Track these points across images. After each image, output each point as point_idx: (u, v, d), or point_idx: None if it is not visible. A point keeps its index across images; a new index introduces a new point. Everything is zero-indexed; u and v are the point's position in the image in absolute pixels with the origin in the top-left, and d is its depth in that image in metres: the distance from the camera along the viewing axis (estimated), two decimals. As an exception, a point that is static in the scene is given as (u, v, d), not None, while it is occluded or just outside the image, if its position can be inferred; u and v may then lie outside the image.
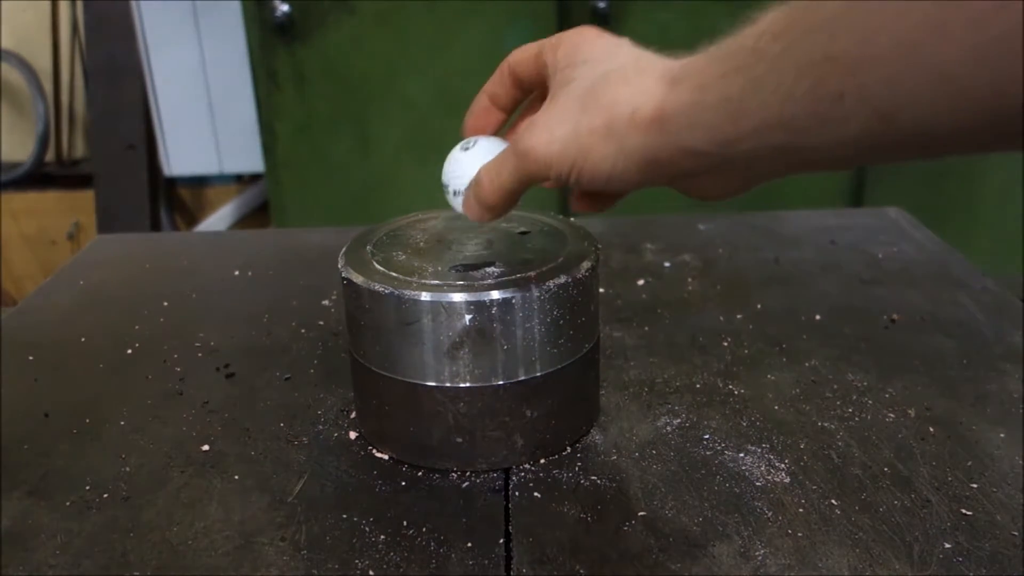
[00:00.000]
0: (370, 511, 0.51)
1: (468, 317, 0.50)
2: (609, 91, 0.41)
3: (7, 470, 0.56)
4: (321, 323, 0.75)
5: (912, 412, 0.59)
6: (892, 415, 0.59)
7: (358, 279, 0.53)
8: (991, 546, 0.47)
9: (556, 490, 0.53)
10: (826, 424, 0.58)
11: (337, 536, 0.49)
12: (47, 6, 2.33)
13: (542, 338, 0.52)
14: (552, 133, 0.42)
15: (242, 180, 2.32)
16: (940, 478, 0.52)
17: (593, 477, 0.54)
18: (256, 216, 2.27)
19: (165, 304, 0.79)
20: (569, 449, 0.56)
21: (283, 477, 0.54)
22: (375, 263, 0.55)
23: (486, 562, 0.47)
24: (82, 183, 2.31)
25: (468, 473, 0.54)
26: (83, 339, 0.73)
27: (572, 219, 0.61)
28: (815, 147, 0.34)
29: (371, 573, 0.46)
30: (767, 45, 0.34)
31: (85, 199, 2.27)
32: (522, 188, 0.47)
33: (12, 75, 2.37)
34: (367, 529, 0.50)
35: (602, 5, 1.52)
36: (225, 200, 2.28)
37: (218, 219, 2.22)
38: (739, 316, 0.74)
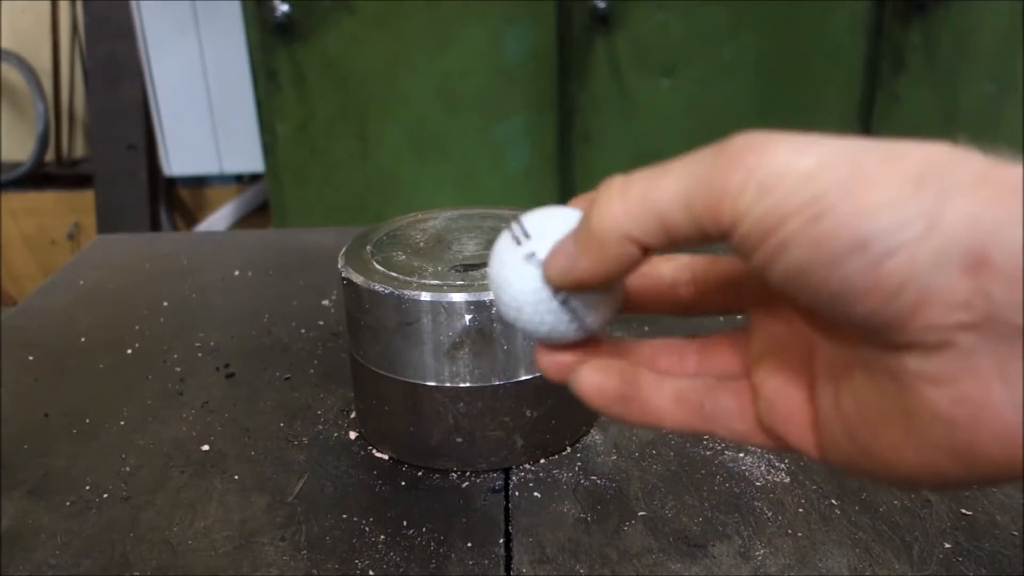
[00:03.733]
0: (370, 511, 0.51)
1: (468, 317, 0.50)
2: None
3: (7, 470, 0.56)
4: (321, 323, 0.75)
5: (912, 412, 0.59)
6: (892, 415, 0.59)
7: (358, 279, 0.53)
8: (991, 546, 0.47)
9: (556, 490, 0.53)
10: (826, 424, 0.58)
11: (337, 536, 0.49)
12: (47, 6, 2.33)
13: (542, 338, 0.52)
14: None
15: (242, 180, 2.32)
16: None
17: (593, 477, 0.54)
18: (256, 216, 2.27)
19: (165, 304, 0.79)
20: (569, 449, 0.56)
21: (283, 477, 0.54)
22: (375, 263, 0.54)
23: (486, 562, 0.47)
24: (82, 183, 2.31)
25: (468, 473, 0.54)
26: (83, 339, 0.73)
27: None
28: None
29: (371, 573, 0.46)
30: None
31: (85, 199, 2.27)
32: None
33: (12, 75, 2.37)
34: (367, 529, 0.49)
35: (602, 5, 1.52)
36: (225, 200, 2.28)
37: (218, 219, 2.22)
38: (739, 316, 0.74)
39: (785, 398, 0.26)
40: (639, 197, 0.24)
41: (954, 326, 0.20)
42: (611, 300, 0.27)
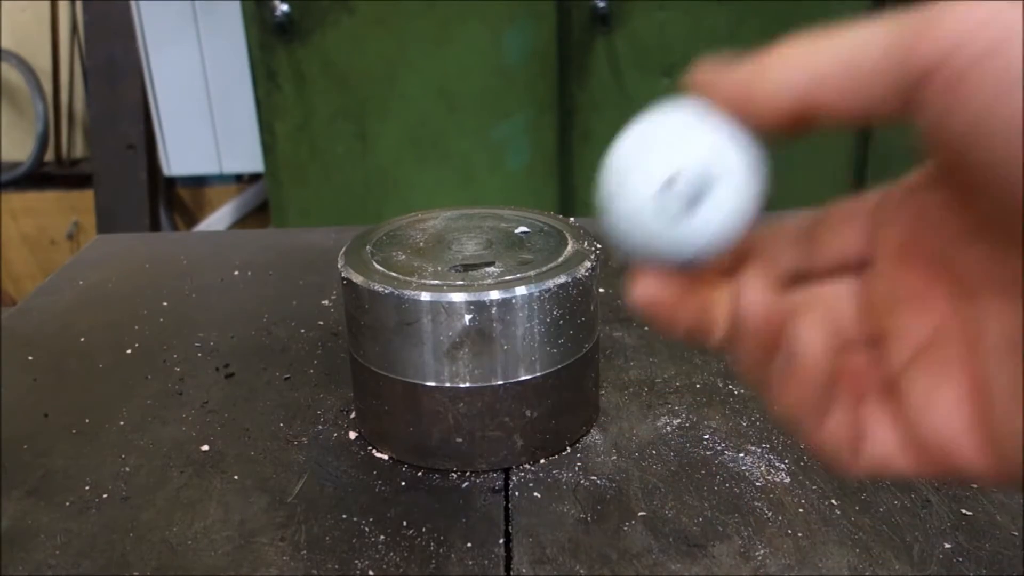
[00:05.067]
0: (370, 511, 0.51)
1: (468, 317, 0.50)
2: None
3: (7, 470, 0.56)
4: (321, 323, 0.75)
5: (912, 412, 0.59)
6: (892, 415, 0.59)
7: (358, 279, 0.53)
8: (991, 546, 0.47)
9: (556, 490, 0.53)
10: (826, 424, 0.58)
11: (337, 536, 0.49)
12: (47, 6, 2.33)
13: (542, 338, 0.52)
14: None
15: (242, 180, 2.32)
16: (940, 478, 0.52)
17: (593, 477, 0.54)
18: (256, 216, 2.27)
19: (165, 304, 0.79)
20: (569, 449, 0.56)
21: (283, 477, 0.54)
22: (375, 263, 0.54)
23: (486, 562, 0.47)
24: (82, 183, 2.31)
25: (468, 473, 0.54)
26: (83, 339, 0.73)
27: (572, 219, 0.61)
28: None
29: (371, 573, 0.46)
30: None
31: (85, 199, 2.27)
32: None
33: (12, 75, 2.37)
34: (367, 529, 0.49)
35: (602, 5, 1.52)
36: (225, 200, 2.28)
37: (218, 219, 2.22)
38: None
39: (940, 397, 0.21)
40: (827, 36, 0.21)
41: None
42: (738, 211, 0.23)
